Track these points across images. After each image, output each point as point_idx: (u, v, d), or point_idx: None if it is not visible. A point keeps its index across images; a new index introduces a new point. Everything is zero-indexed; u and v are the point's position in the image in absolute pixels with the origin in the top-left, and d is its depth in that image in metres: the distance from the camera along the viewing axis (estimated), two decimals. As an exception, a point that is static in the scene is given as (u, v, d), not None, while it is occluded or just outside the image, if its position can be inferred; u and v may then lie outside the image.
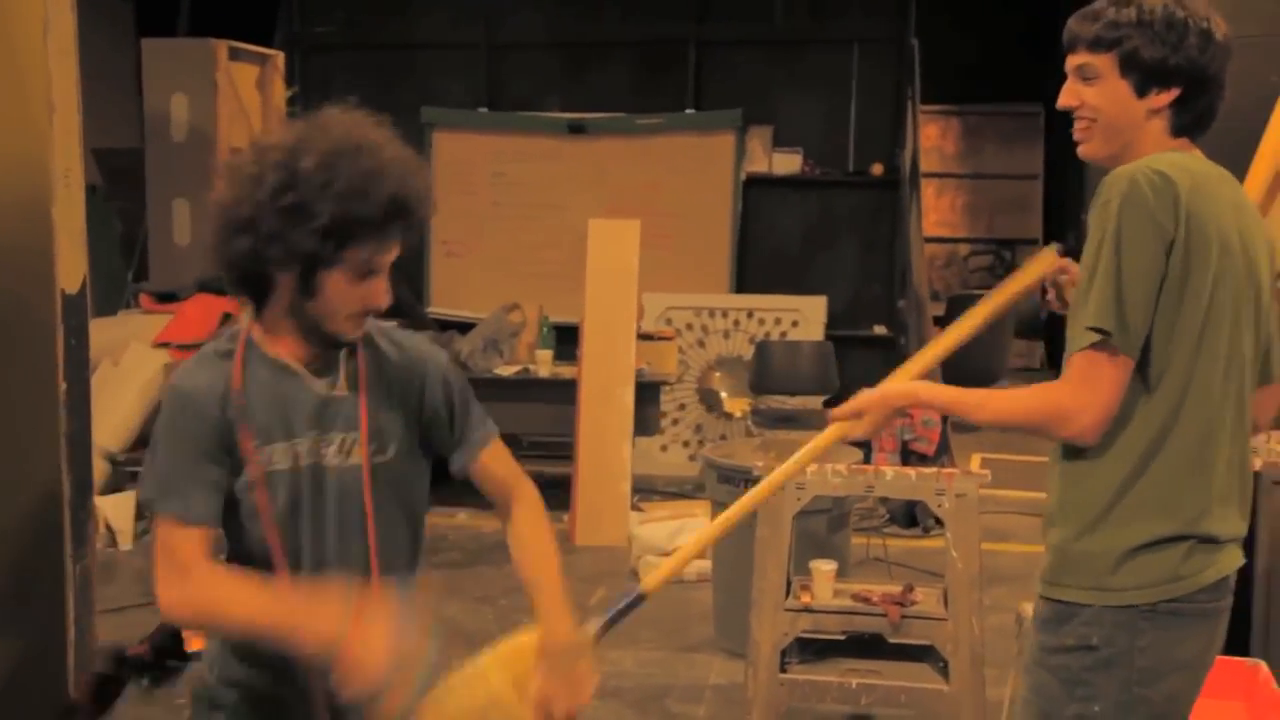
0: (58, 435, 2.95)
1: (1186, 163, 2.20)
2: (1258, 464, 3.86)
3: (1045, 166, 12.33)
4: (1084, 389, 2.12)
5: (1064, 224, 11.73)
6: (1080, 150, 2.37)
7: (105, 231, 8.44)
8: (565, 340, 7.00)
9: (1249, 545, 4.22)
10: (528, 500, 2.18)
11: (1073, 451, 2.24)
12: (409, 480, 2.10)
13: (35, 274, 2.89)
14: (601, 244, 6.66)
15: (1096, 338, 2.08)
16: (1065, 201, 11.74)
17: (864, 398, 2.38)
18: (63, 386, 2.92)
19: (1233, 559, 2.24)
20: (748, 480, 4.68)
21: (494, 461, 2.14)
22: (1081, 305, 2.12)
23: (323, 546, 1.98)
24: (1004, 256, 12.51)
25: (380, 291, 1.90)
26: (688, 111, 8.46)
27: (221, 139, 7.83)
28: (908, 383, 2.42)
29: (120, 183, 8.43)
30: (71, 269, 2.94)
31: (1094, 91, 2.28)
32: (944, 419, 6.59)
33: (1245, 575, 4.15)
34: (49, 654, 2.95)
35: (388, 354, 2.01)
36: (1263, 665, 3.15)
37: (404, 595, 2.00)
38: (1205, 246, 2.13)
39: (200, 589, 1.86)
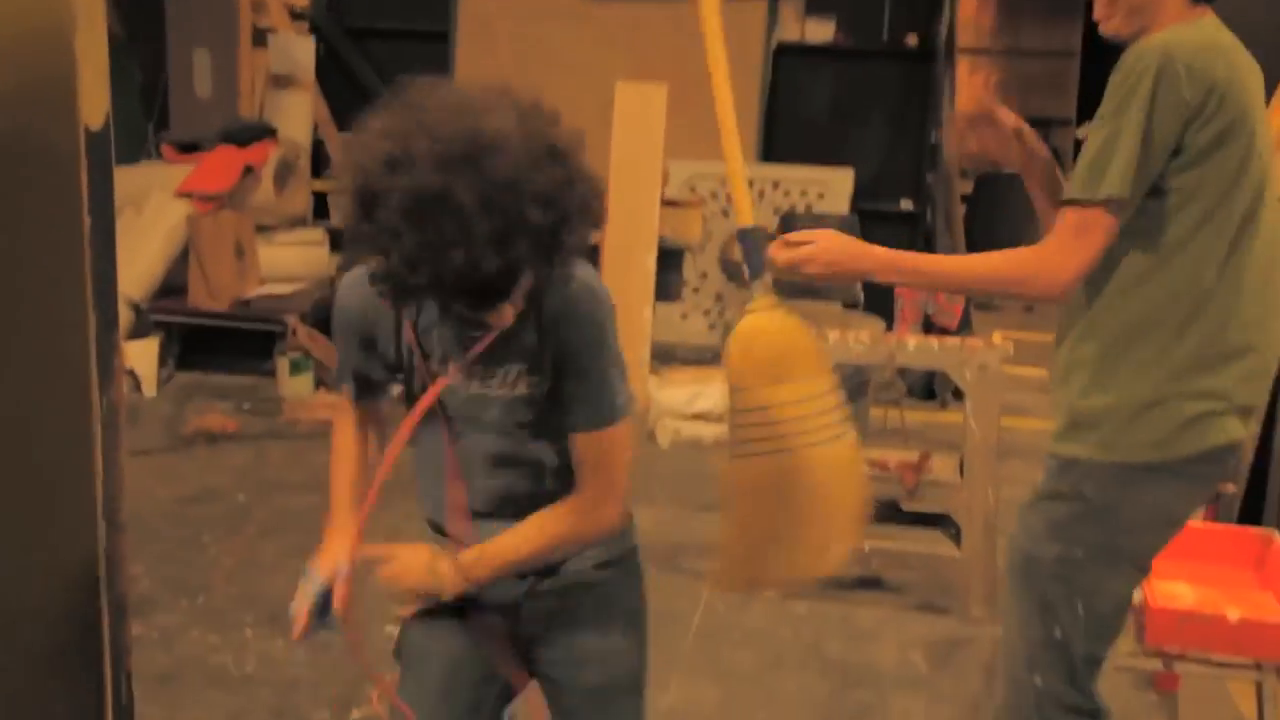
0: (82, 271, 2.92)
1: (1216, 38, 2.26)
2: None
3: (1083, 44, 12.09)
4: (1076, 243, 2.17)
5: (1091, 100, 11.61)
6: (1103, 29, 2.42)
7: (125, 81, 8.37)
8: (591, 198, 6.94)
9: (1270, 419, 4.26)
10: (578, 503, 1.98)
11: (1084, 311, 2.33)
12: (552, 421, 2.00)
13: (57, 108, 2.84)
14: (627, 108, 6.62)
15: (1105, 197, 2.12)
16: (1102, 82, 11.57)
17: (820, 242, 2.37)
18: (87, 222, 2.88)
19: (1240, 428, 2.27)
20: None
21: (584, 447, 1.95)
22: (1097, 166, 2.16)
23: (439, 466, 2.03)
24: (1039, 133, 12.40)
25: None
26: (716, -24, 8.29)
27: (242, -11, 7.80)
28: (867, 246, 2.44)
29: (139, 31, 8.35)
30: (94, 104, 2.87)
31: None
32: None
33: (1265, 446, 4.20)
34: (78, 487, 2.98)
35: (562, 293, 1.86)
36: (1277, 535, 3.17)
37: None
38: (1238, 123, 2.19)
39: (335, 433, 2.18)
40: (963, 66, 12.25)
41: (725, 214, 7.97)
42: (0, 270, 2.72)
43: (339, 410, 2.19)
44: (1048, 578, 2.37)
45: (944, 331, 6.45)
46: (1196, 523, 3.50)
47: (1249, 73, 2.30)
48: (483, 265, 1.56)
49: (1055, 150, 8.91)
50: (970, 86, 12.27)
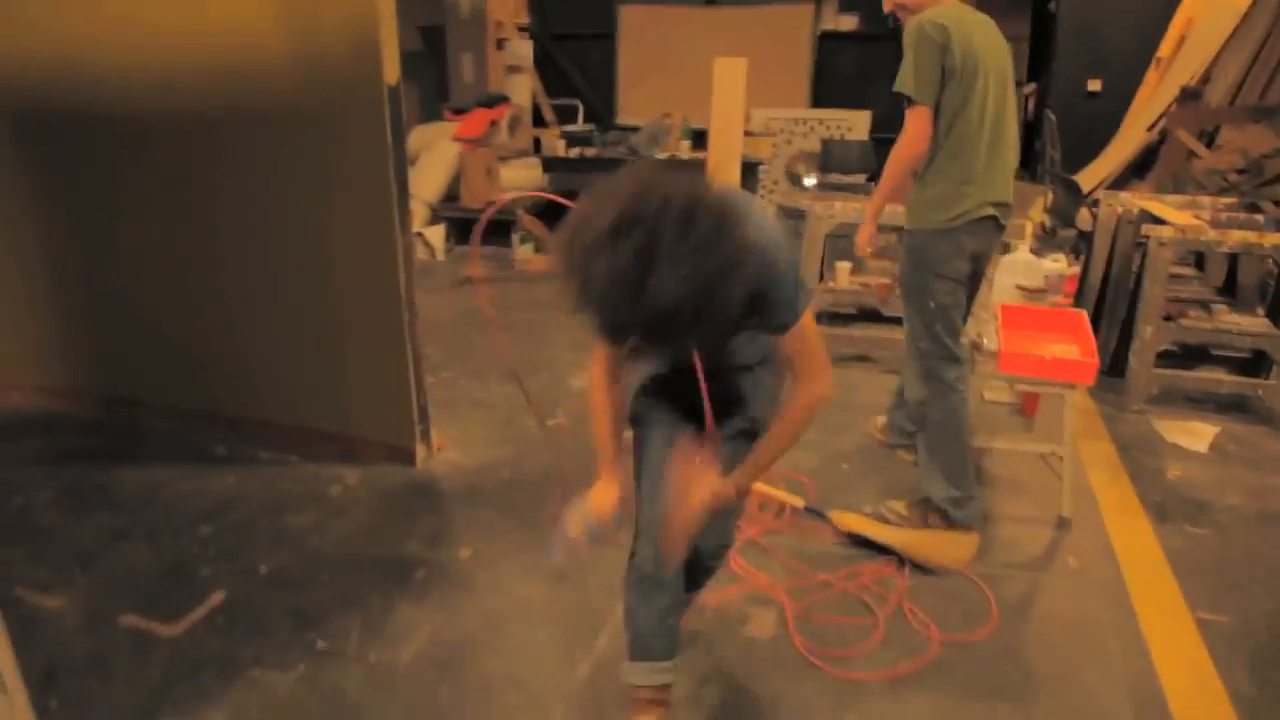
0: (388, 165, 3.16)
1: (950, 13, 2.63)
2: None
3: (1031, 29, 11.43)
4: (915, 126, 2.58)
5: (1037, 71, 11.02)
6: (885, 8, 2.88)
7: (427, 75, 8.68)
8: (699, 137, 6.99)
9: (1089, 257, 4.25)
10: (802, 390, 1.70)
11: (925, 164, 2.75)
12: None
13: (372, 70, 3.07)
14: (722, 75, 6.60)
15: (911, 97, 2.57)
16: (1042, 55, 10.98)
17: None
18: (389, 139, 3.13)
19: (987, 207, 2.69)
20: (800, 215, 4.81)
21: (789, 342, 1.66)
22: (913, 84, 2.62)
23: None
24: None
25: None
26: (784, -12, 8.16)
27: (489, 15, 7.93)
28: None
29: (434, 46, 8.60)
30: (391, 68, 3.08)
31: None
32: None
33: (1085, 275, 4.21)
34: (389, 306, 3.30)
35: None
36: (1084, 313, 3.22)
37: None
38: (967, 59, 2.60)
39: (592, 391, 1.83)
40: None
41: (789, 142, 7.98)
42: (348, 159, 3.07)
43: (595, 364, 1.80)
44: (911, 288, 2.78)
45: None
46: (1042, 306, 3.61)
47: (976, 28, 2.66)
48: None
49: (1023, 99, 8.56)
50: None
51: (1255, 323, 3.96)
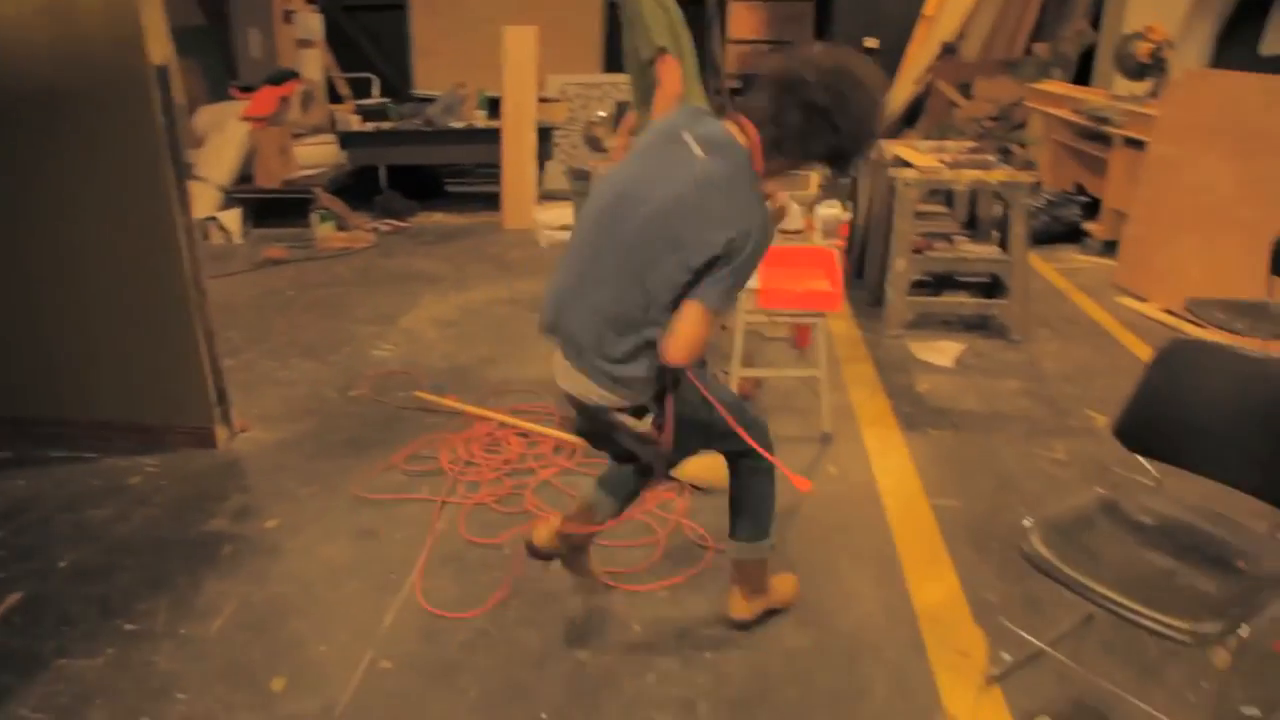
0: (160, 144, 3.10)
1: None
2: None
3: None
4: (673, 73, 2.95)
5: (823, 30, 11.65)
6: None
7: (211, 51, 8.32)
8: (494, 105, 7.04)
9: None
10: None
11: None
12: None
13: (133, 53, 3.02)
14: (513, 43, 6.72)
15: (666, 48, 2.94)
16: (823, 14, 11.61)
17: None
18: (159, 119, 3.09)
19: None
20: (585, 175, 5.01)
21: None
22: (645, 38, 3.03)
23: None
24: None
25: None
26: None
27: (274, -15, 7.71)
28: None
29: (218, 21, 8.26)
30: (157, 49, 3.04)
31: None
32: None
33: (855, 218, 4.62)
34: (175, 288, 3.28)
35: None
36: (834, 251, 3.51)
37: None
38: (674, 11, 3.27)
39: None
40: (741, 8, 12.22)
41: (584, 106, 8.15)
42: (117, 144, 3.02)
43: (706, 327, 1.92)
44: None
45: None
46: (799, 246, 3.95)
47: None
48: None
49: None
50: (749, 22, 12.26)
51: (989, 250, 4.49)
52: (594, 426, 2.11)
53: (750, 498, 2.25)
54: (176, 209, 3.17)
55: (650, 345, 1.92)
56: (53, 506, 3.03)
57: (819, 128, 1.82)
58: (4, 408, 3.49)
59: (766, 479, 2.24)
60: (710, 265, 1.83)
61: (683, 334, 1.87)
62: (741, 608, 2.35)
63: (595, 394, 1.99)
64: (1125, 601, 1.78)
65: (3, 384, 3.47)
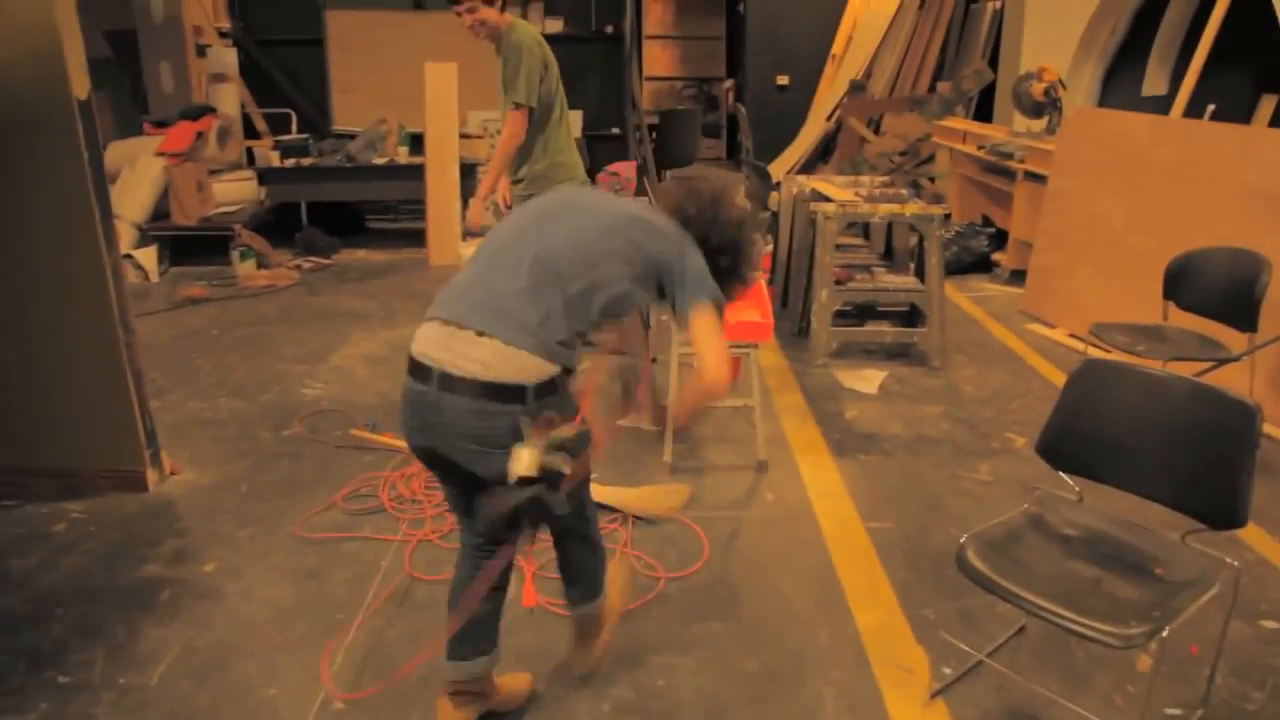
0: (87, 182, 3.05)
1: (533, 29, 3.64)
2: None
3: (727, 32, 12.38)
4: (517, 124, 3.43)
5: (735, 66, 11.98)
6: (465, 24, 3.59)
7: (118, 87, 8.11)
8: (416, 141, 7.05)
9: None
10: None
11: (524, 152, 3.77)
12: None
13: (58, 86, 2.96)
14: (434, 79, 6.72)
15: (523, 103, 3.53)
16: (735, 52, 11.96)
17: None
18: (85, 154, 3.03)
19: (582, 171, 4.05)
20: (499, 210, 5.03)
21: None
22: (512, 89, 3.56)
23: None
24: (702, 88, 12.68)
25: None
26: (489, -7, 8.34)
27: (186, 20, 7.58)
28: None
29: (125, 54, 8.04)
30: (80, 84, 2.99)
31: (480, 15, 3.53)
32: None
33: (775, 250, 4.75)
34: (102, 328, 3.19)
35: None
36: (761, 283, 3.64)
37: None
38: (550, 64, 3.64)
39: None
40: (657, 47, 12.46)
41: (507, 143, 8.22)
42: (38, 179, 2.94)
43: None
44: None
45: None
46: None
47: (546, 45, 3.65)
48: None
49: (713, 96, 9.24)
50: (663, 60, 12.52)
51: (906, 280, 4.69)
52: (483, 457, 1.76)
53: (578, 565, 2.19)
54: (103, 246, 3.11)
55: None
56: (-28, 558, 2.91)
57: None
58: (-86, 456, 3.34)
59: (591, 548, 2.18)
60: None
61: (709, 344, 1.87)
62: (585, 660, 2.31)
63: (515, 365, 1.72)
64: (1058, 610, 1.89)
65: (-87, 431, 3.32)
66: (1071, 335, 4.88)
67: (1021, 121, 6.40)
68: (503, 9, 3.61)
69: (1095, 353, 4.38)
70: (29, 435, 3.29)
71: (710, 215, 2.01)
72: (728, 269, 2.01)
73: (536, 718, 2.21)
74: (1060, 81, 5.92)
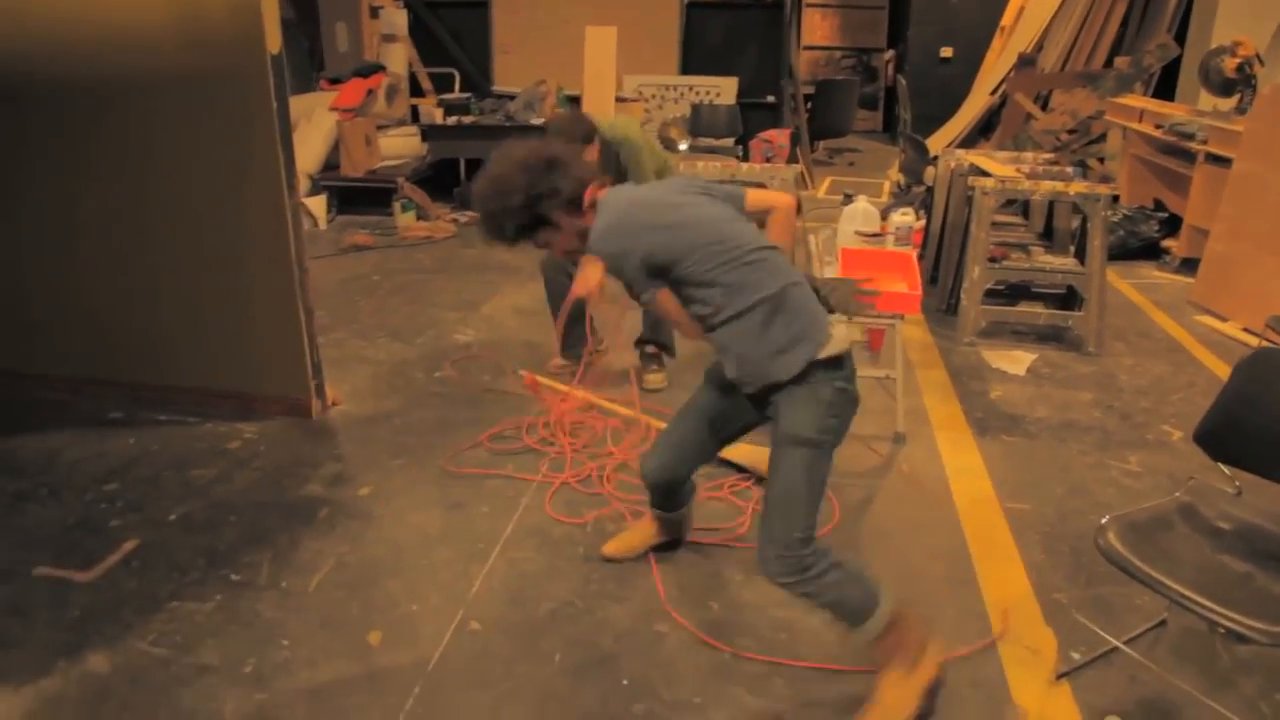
0: (274, 131, 3.29)
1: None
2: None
3: (890, 1, 12.06)
4: None
5: (897, 37, 11.64)
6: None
7: (297, 45, 8.59)
8: (574, 103, 7.17)
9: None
10: None
11: None
12: None
13: (256, 41, 3.19)
14: (593, 43, 6.86)
15: None
16: (898, 24, 11.62)
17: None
18: (274, 105, 3.28)
19: None
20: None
21: None
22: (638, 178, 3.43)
23: None
24: (861, 58, 12.40)
25: None
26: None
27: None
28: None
29: (306, 13, 8.53)
30: (273, 39, 3.22)
31: None
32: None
33: (929, 225, 4.63)
34: (280, 266, 3.45)
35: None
36: (911, 254, 3.62)
37: None
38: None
39: None
40: (817, 15, 12.25)
41: (660, 107, 8.27)
42: (234, 127, 3.21)
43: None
44: None
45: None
46: (878, 249, 4.00)
47: None
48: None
49: (872, 67, 9.20)
50: (822, 29, 12.30)
51: (1065, 262, 4.50)
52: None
53: (831, 599, 2.07)
54: (285, 191, 3.35)
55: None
56: (160, 465, 3.22)
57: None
58: (115, 371, 3.71)
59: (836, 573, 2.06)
60: None
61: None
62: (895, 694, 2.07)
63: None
64: (1201, 600, 1.83)
65: (115, 349, 3.69)
66: (1246, 330, 4.58)
67: (1208, 100, 5.99)
68: None
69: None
70: (213, 360, 3.60)
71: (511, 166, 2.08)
72: (556, 194, 2.08)
73: (660, 657, 2.30)
74: (1257, 56, 5.50)
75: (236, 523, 2.87)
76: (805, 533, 2.02)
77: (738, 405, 2.22)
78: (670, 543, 2.69)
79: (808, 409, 2.02)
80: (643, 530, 2.66)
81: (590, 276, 2.15)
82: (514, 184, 2.05)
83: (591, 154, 3.47)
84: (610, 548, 2.65)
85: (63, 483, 3.11)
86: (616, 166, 3.57)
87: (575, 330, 3.72)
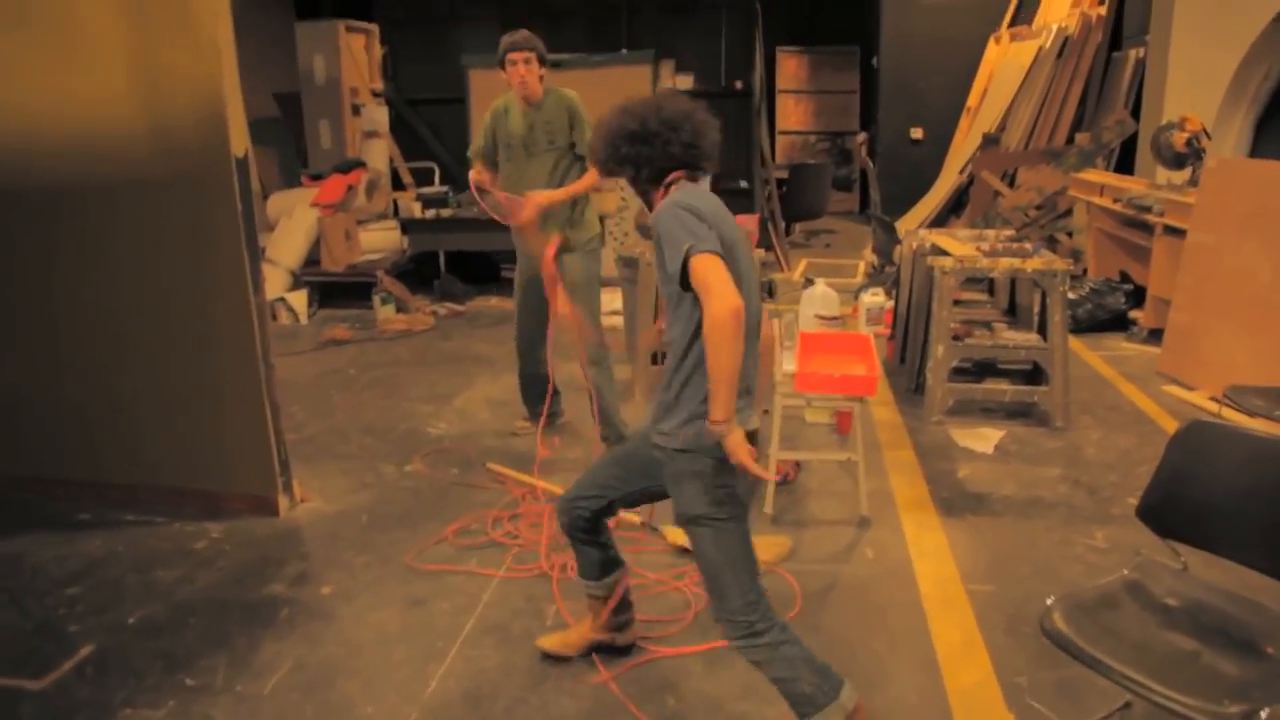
0: (239, 229, 3.36)
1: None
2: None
3: (860, 87, 12.44)
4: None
5: (867, 120, 11.96)
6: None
7: (285, 142, 8.82)
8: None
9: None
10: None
11: None
12: None
13: (221, 146, 3.24)
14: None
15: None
16: (868, 107, 11.95)
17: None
18: (239, 206, 3.36)
19: None
20: (635, 263, 5.20)
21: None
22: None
23: None
24: (835, 141, 12.72)
25: None
26: (622, 51, 8.65)
27: (344, 83, 8.17)
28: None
29: (291, 113, 8.78)
30: (239, 142, 3.32)
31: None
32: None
33: (897, 305, 4.69)
34: (247, 363, 3.51)
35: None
36: (870, 337, 3.65)
37: None
38: None
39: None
40: (790, 101, 12.61)
41: (634, 196, 8.43)
42: (194, 228, 3.28)
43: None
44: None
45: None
46: (836, 332, 4.05)
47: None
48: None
49: (846, 150, 9.32)
50: (796, 114, 12.65)
51: (1028, 338, 4.57)
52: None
53: (783, 674, 2.08)
54: (250, 289, 3.42)
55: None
56: (125, 566, 3.21)
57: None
58: (84, 471, 3.72)
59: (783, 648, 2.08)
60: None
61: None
62: None
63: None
64: (1143, 680, 1.82)
65: (84, 449, 3.71)
66: (1212, 398, 4.62)
67: (1163, 174, 6.15)
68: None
69: (1236, 418, 4.15)
70: (182, 458, 3.61)
71: (652, 105, 2.10)
72: (687, 142, 2.07)
73: (614, 754, 2.26)
74: (1204, 131, 5.67)
75: (196, 625, 2.85)
76: (743, 599, 2.05)
77: (653, 458, 2.16)
78: (621, 648, 2.64)
79: (691, 485, 2.03)
80: (580, 628, 2.62)
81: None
82: (654, 116, 2.06)
83: None
84: (547, 642, 2.62)
85: (25, 587, 3.09)
86: None
87: (534, 389, 4.01)
